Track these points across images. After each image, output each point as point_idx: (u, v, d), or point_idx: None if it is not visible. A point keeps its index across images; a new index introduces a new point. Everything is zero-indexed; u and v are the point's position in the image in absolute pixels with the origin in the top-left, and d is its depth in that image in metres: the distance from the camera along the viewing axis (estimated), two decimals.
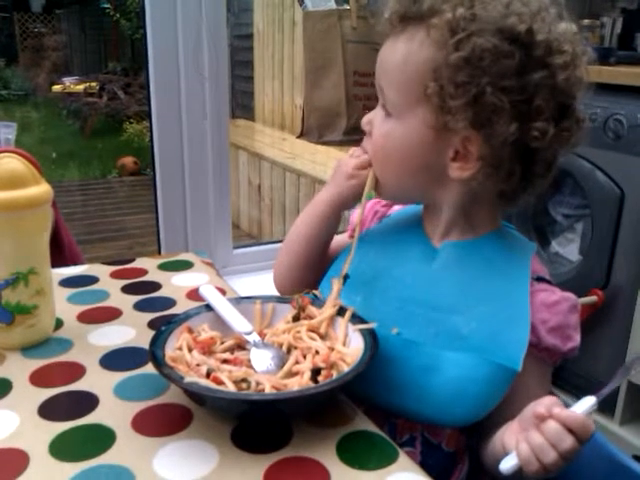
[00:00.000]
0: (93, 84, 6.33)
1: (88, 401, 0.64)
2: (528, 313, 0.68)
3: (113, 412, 0.63)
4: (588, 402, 0.59)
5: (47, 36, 7.36)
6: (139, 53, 6.24)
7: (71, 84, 6.53)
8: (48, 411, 0.63)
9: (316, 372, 0.62)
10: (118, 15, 6.75)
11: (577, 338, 0.71)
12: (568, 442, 0.55)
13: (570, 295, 0.72)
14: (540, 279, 0.73)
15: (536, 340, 0.69)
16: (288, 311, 0.73)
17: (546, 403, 0.58)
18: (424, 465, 0.59)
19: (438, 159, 0.68)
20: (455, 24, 0.64)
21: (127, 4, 6.43)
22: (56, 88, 6.54)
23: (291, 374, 0.63)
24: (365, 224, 0.84)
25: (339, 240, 0.86)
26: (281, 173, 3.36)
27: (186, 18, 1.61)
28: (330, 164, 3.15)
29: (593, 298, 1.69)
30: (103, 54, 7.58)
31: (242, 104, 5.00)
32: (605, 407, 1.71)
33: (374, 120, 0.74)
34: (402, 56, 0.68)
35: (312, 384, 0.60)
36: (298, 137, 3.88)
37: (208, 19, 1.65)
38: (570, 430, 0.56)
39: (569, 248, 1.94)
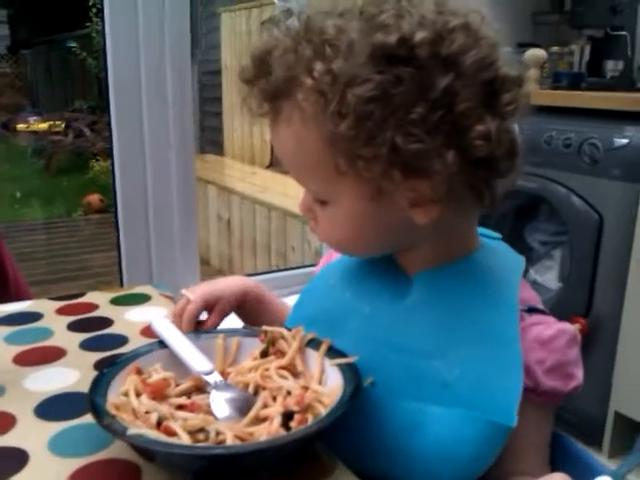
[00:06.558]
0: (58, 122, 6.27)
1: (15, 459, 0.54)
2: (520, 354, 0.58)
3: (45, 472, 0.53)
4: None
5: (11, 76, 7.32)
6: (105, 92, 6.19)
7: (35, 122, 6.46)
8: None
9: (288, 417, 0.52)
10: (85, 54, 6.73)
11: (579, 375, 0.63)
12: None
13: (567, 326, 0.63)
14: (532, 310, 0.64)
15: (533, 384, 0.60)
16: (256, 346, 0.64)
17: None
18: None
19: (396, 216, 0.58)
20: (321, 88, 0.53)
21: (94, 43, 6.42)
22: (20, 127, 6.47)
23: (258, 420, 0.54)
24: (331, 255, 0.75)
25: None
26: (251, 207, 3.29)
27: (148, 46, 1.56)
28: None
29: (576, 326, 1.62)
30: (70, 92, 7.54)
31: (211, 140, 4.97)
32: (592, 439, 1.64)
33: (312, 206, 0.63)
34: (293, 145, 0.58)
35: (283, 431, 0.51)
36: (267, 167, 3.83)
37: (171, 47, 1.60)
38: None
39: (547, 276, 1.90)
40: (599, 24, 2.05)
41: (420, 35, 0.52)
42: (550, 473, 0.56)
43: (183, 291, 0.73)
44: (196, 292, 0.73)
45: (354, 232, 0.61)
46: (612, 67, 2.00)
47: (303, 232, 2.83)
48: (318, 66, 0.53)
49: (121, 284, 1.73)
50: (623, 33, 2.01)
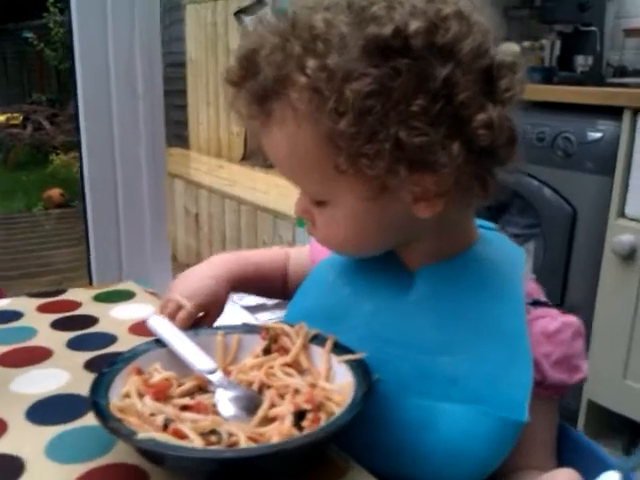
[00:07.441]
0: (16, 114, 6.07)
1: (11, 467, 0.51)
2: (528, 348, 0.57)
3: (44, 479, 0.49)
4: (611, 478, 0.49)
5: None
6: (65, 84, 6.01)
7: None
8: None
9: (299, 416, 0.51)
10: (42, 45, 6.52)
11: (584, 367, 0.62)
12: None
13: (572, 319, 0.62)
14: (536, 302, 0.63)
15: (540, 377, 0.59)
16: (256, 343, 0.62)
17: None
18: None
19: (398, 212, 0.56)
20: (316, 85, 0.50)
21: (52, 34, 6.22)
22: None
23: (267, 420, 0.52)
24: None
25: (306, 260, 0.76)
26: (220, 201, 3.23)
27: (118, 35, 1.51)
28: (272, 191, 3.05)
29: None
30: (27, 84, 7.32)
31: (175, 133, 4.88)
32: None
33: (308, 208, 0.61)
34: (287, 147, 0.56)
35: (296, 431, 0.49)
36: (240, 161, 3.77)
37: (141, 37, 1.55)
38: None
39: None
40: (568, 20, 2.08)
41: (414, 25, 0.50)
42: (557, 467, 0.56)
43: (177, 297, 0.68)
44: (188, 297, 0.68)
45: (355, 232, 0.59)
46: (582, 62, 2.03)
47: (275, 226, 2.80)
48: (310, 62, 0.50)
49: (90, 280, 1.67)
50: (593, 29, 2.04)
